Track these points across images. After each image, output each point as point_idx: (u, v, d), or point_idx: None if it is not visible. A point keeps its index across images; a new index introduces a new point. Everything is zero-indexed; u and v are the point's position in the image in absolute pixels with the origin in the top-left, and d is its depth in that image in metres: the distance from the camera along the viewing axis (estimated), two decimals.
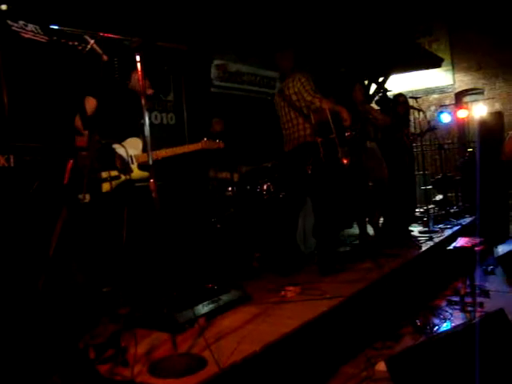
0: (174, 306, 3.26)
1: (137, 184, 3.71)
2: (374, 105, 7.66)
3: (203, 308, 3.64)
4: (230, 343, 3.14)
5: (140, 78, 2.90)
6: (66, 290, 3.05)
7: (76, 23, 3.23)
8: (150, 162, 2.88)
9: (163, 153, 3.82)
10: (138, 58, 2.93)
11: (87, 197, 3.13)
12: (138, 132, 3.68)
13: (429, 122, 7.65)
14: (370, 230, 6.49)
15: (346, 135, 6.15)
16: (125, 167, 3.54)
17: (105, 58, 2.90)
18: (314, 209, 4.97)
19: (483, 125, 9.14)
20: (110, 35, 2.90)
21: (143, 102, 2.93)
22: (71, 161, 3.03)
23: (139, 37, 2.95)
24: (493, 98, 13.97)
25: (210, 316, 3.62)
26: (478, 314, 4.67)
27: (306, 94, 4.75)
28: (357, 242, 6.37)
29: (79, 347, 2.94)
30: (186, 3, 5.48)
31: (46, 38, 3.55)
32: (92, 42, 2.84)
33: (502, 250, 6.57)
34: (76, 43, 2.76)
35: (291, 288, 4.17)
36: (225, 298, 3.86)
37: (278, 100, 5.04)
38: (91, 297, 3.39)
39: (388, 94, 7.74)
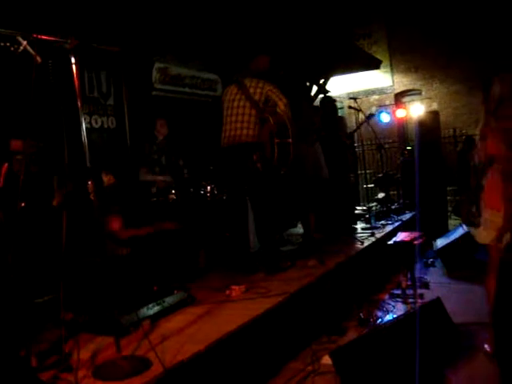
0: (118, 310, 3.23)
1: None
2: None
3: (148, 310, 3.63)
4: (174, 344, 3.14)
5: (75, 78, 2.87)
6: (3, 297, 2.97)
7: (8, 24, 3.17)
8: (88, 165, 2.86)
9: None
10: (73, 59, 2.90)
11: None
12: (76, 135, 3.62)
13: (365, 114, 7.83)
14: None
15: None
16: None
17: (39, 59, 2.84)
18: (255, 209, 5.00)
19: (421, 124, 9.43)
20: (43, 37, 2.86)
21: (79, 105, 2.90)
22: (5, 164, 2.97)
23: (75, 39, 2.91)
24: (430, 98, 14.44)
25: (155, 318, 3.62)
26: (419, 305, 4.83)
27: (282, 96, 4.86)
28: (301, 240, 6.46)
29: (20, 355, 2.88)
30: (124, 6, 5.43)
31: None
32: (25, 43, 2.78)
33: (440, 243, 6.81)
34: (8, 44, 2.70)
35: (236, 287, 4.20)
36: (169, 299, 3.85)
37: (236, 91, 4.97)
38: (30, 304, 3.32)
39: (328, 95, 7.90)
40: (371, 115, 7.73)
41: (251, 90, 4.88)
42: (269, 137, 4.81)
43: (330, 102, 7.63)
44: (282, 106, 4.84)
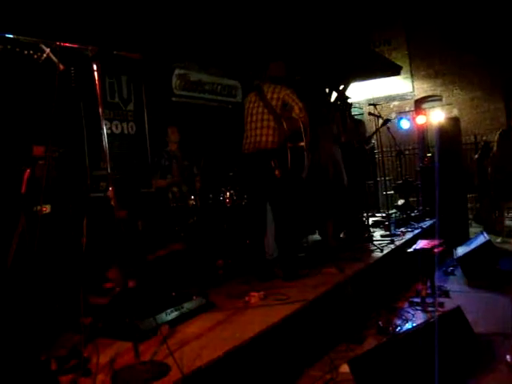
0: (136, 315, 3.24)
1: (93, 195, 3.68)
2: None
3: (166, 316, 3.64)
4: (193, 349, 3.14)
5: (97, 85, 2.90)
6: (24, 302, 3.00)
7: (31, 32, 3.21)
8: (109, 171, 2.88)
9: None
10: (95, 66, 2.93)
11: (48, 207, 3.10)
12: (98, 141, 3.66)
13: (383, 118, 7.78)
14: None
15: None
16: None
17: (61, 67, 2.88)
18: (275, 215, 5.00)
19: (441, 130, 9.34)
20: (66, 44, 2.90)
21: (100, 111, 2.93)
22: (28, 170, 3.00)
23: (97, 46, 2.95)
24: (450, 105, 14.32)
25: (174, 323, 3.62)
26: (438, 314, 4.77)
27: (298, 100, 4.87)
28: (319, 247, 6.44)
29: (40, 359, 2.91)
30: (146, 13, 5.49)
31: (0, 46, 3.51)
32: (48, 50, 2.82)
33: (461, 251, 6.72)
34: (31, 52, 2.74)
35: (255, 294, 4.19)
36: (188, 305, 3.86)
37: (255, 98, 5.02)
38: (51, 308, 3.35)
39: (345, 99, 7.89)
40: (388, 120, 7.66)
41: (269, 96, 4.90)
42: (284, 142, 4.82)
43: (347, 105, 7.61)
44: (297, 110, 4.85)
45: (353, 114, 7.91)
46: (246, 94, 5.29)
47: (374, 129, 9.03)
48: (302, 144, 4.87)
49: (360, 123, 7.85)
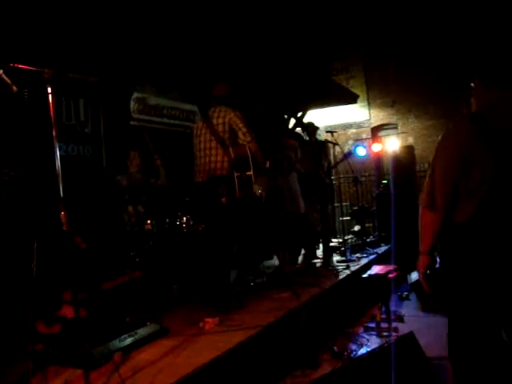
0: (89, 341, 3.17)
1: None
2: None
3: (120, 342, 3.58)
4: (146, 377, 3.10)
5: (51, 108, 2.88)
6: None
7: None
8: (61, 195, 2.84)
9: None
10: (49, 89, 2.91)
11: None
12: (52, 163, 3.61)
13: (344, 152, 7.93)
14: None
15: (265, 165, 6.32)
16: None
17: (14, 88, 2.85)
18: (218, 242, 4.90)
19: (396, 158, 9.58)
20: (20, 66, 2.87)
21: (54, 133, 2.90)
22: None
23: (53, 68, 2.93)
24: (406, 133, 14.68)
25: (127, 350, 3.56)
26: (393, 339, 4.82)
27: (242, 124, 4.82)
28: (275, 272, 6.45)
29: None
30: (103, 37, 5.49)
31: None
32: (1, 72, 2.79)
33: (414, 276, 6.82)
34: None
35: (209, 320, 4.16)
36: (142, 331, 3.80)
37: (201, 126, 5.00)
38: None
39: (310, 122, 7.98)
40: (349, 153, 7.83)
41: (214, 121, 4.86)
42: (230, 170, 4.80)
43: (313, 129, 7.71)
44: (241, 135, 4.83)
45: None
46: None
47: (332, 155, 9.18)
48: (250, 173, 4.85)
49: (325, 146, 7.94)
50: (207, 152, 4.87)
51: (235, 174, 4.77)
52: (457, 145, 2.44)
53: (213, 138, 4.84)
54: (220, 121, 4.84)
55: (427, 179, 2.55)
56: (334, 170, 9.30)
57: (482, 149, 2.36)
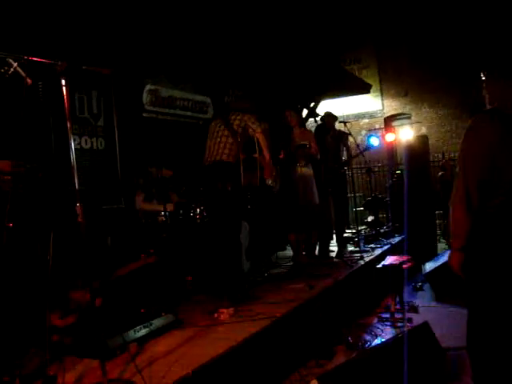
0: (104, 332, 3.19)
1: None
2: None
3: (135, 333, 3.59)
4: (161, 367, 3.11)
5: (66, 100, 2.89)
6: None
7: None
8: (77, 187, 2.86)
9: None
10: (63, 81, 2.92)
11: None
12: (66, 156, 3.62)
13: (358, 146, 7.87)
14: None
15: (279, 156, 6.32)
16: None
17: (29, 81, 2.86)
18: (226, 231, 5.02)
19: (410, 148, 9.50)
20: (34, 58, 2.88)
21: (69, 126, 2.91)
22: None
23: (67, 60, 2.94)
24: (419, 123, 14.60)
25: (142, 341, 3.58)
26: (407, 329, 4.81)
27: (256, 123, 5.07)
28: (290, 263, 6.46)
29: (3, 380, 2.84)
30: (116, 28, 5.48)
31: None
32: (15, 65, 2.80)
33: (429, 266, 6.81)
34: None
35: (224, 310, 4.17)
36: (157, 322, 3.82)
37: (220, 122, 5.21)
38: (15, 327, 3.29)
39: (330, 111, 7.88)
40: (366, 148, 7.79)
41: (232, 118, 5.12)
42: (237, 158, 5.04)
43: (333, 118, 7.66)
44: (252, 127, 5.05)
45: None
46: (217, 111, 5.40)
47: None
48: (255, 155, 5.15)
49: (343, 137, 7.85)
50: (218, 139, 5.09)
51: (241, 157, 5.03)
52: (487, 144, 2.45)
53: (226, 129, 5.07)
54: (238, 118, 5.09)
55: (458, 179, 2.58)
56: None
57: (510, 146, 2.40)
